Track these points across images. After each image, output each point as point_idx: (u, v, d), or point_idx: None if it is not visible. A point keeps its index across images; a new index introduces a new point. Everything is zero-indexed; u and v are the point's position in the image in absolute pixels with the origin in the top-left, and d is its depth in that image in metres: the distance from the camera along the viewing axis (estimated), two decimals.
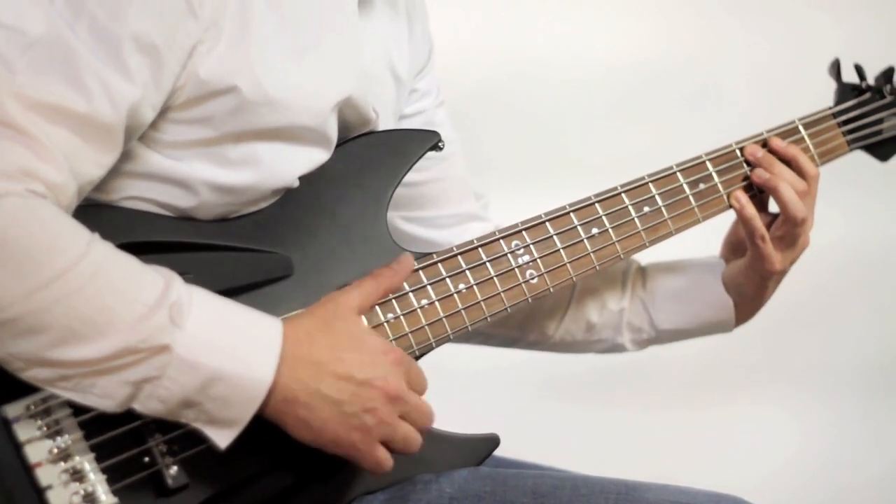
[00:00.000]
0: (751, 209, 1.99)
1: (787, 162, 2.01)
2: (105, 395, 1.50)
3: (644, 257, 2.05)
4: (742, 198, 1.99)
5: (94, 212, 1.61)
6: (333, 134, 1.74)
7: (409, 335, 1.74)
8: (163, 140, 1.64)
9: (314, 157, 1.74)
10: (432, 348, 1.77)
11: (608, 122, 3.30)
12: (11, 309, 1.46)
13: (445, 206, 2.05)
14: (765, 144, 2.02)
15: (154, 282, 1.52)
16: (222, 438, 1.54)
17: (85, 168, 1.55)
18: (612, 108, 3.31)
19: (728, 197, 1.99)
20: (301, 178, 1.73)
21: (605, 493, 1.74)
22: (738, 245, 2.07)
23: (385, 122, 1.86)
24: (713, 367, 3.36)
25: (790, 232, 1.99)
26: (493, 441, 1.80)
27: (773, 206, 2.03)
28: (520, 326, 2.11)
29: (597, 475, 1.81)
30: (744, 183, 2.01)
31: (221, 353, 1.51)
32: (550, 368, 2.93)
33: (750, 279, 2.03)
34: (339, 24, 1.75)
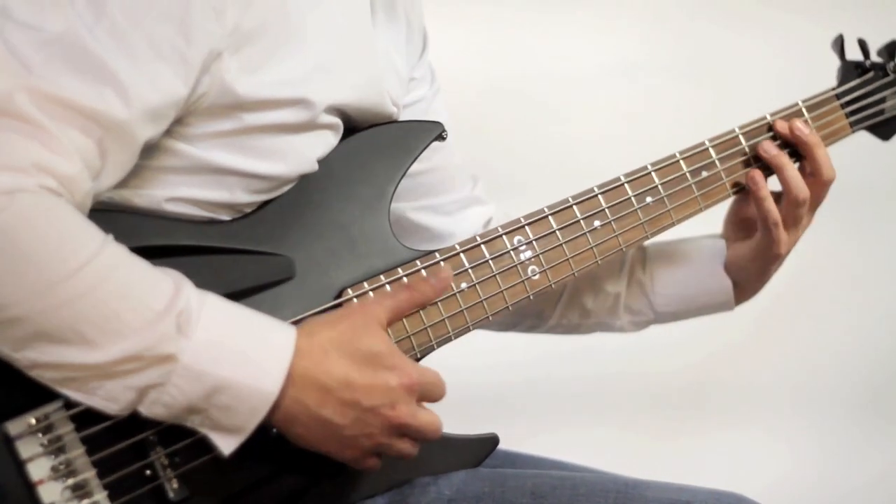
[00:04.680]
0: (766, 190, 1.95)
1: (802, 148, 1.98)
2: (110, 399, 1.49)
3: None
4: (759, 178, 1.95)
5: (97, 217, 1.58)
6: (334, 121, 1.73)
7: (411, 337, 1.73)
8: (187, 132, 1.62)
9: (330, 141, 1.73)
10: (433, 349, 1.76)
11: (608, 124, 3.28)
12: (17, 308, 1.44)
13: (449, 192, 2.04)
14: (769, 128, 1.99)
15: (164, 287, 1.50)
16: (227, 444, 1.53)
17: (97, 164, 1.53)
18: (612, 110, 3.29)
19: (731, 184, 1.96)
20: (304, 177, 1.71)
21: (605, 492, 1.74)
22: (742, 224, 2.04)
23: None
24: (707, 383, 3.39)
25: (792, 213, 1.96)
26: (492, 441, 1.80)
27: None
28: (517, 311, 2.08)
29: (596, 472, 1.82)
30: (746, 170, 1.98)
31: (228, 364, 1.50)
32: (548, 374, 2.95)
33: (755, 264, 2.01)
34: (346, 35, 1.73)
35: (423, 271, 1.74)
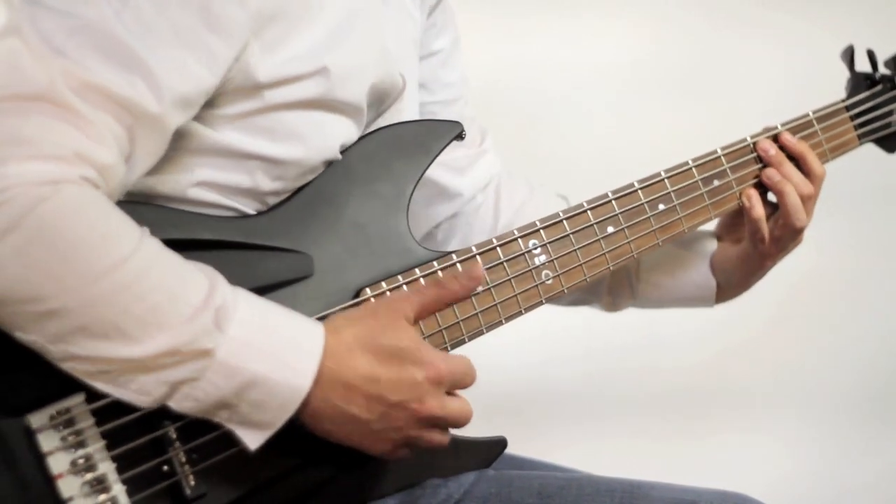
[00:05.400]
0: (760, 210, 1.98)
1: (796, 159, 2.00)
2: (142, 392, 1.49)
3: None
4: (754, 197, 1.98)
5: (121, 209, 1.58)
6: (364, 107, 1.74)
7: (426, 339, 1.73)
8: (209, 115, 1.62)
9: (350, 128, 1.73)
10: (448, 351, 1.76)
11: (610, 125, 3.28)
12: (58, 301, 1.44)
13: (461, 146, 2.06)
14: (776, 139, 2.01)
15: (200, 282, 1.51)
16: (254, 440, 1.53)
17: (127, 150, 1.53)
18: (614, 111, 3.30)
19: (740, 194, 1.98)
20: (322, 176, 1.72)
21: (611, 492, 1.76)
22: (735, 227, 2.06)
23: (410, 70, 1.86)
24: (711, 386, 3.40)
25: (787, 235, 2.00)
26: (501, 444, 1.81)
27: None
28: None
29: (602, 475, 1.83)
30: (755, 180, 2.00)
31: (261, 359, 1.50)
32: (552, 376, 2.95)
33: (739, 269, 2.05)
34: (356, 5, 1.73)
35: (458, 265, 1.74)
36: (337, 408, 1.55)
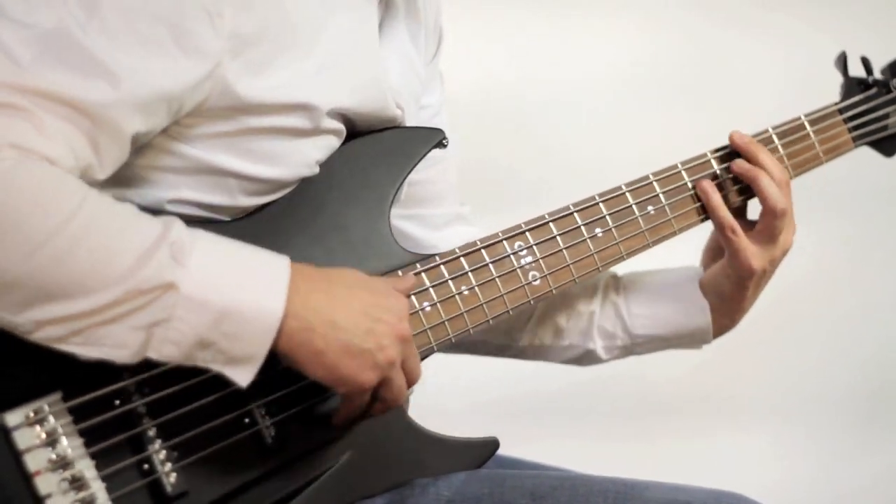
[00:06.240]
0: (716, 198, 1.93)
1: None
2: (118, 345, 1.49)
3: (627, 266, 2.02)
4: (707, 187, 1.94)
5: None
6: (337, 126, 1.73)
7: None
8: (188, 133, 1.63)
9: (333, 145, 1.73)
10: (434, 352, 1.76)
11: (607, 127, 3.27)
12: (11, 272, 1.45)
13: (438, 206, 2.03)
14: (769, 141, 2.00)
15: (152, 226, 1.51)
16: (242, 376, 1.54)
17: (88, 156, 1.54)
18: (612, 113, 3.29)
19: (694, 187, 1.94)
20: (304, 180, 1.72)
21: (604, 493, 1.74)
22: (719, 250, 2.00)
23: (410, 117, 1.86)
24: (705, 388, 3.39)
25: (770, 225, 1.93)
26: (492, 444, 1.80)
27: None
28: (486, 329, 1.99)
29: (596, 474, 1.82)
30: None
31: (229, 288, 1.51)
32: (547, 378, 2.94)
33: (728, 278, 1.96)
34: (349, 38, 1.73)
35: (442, 267, 1.76)
36: (323, 316, 1.55)
